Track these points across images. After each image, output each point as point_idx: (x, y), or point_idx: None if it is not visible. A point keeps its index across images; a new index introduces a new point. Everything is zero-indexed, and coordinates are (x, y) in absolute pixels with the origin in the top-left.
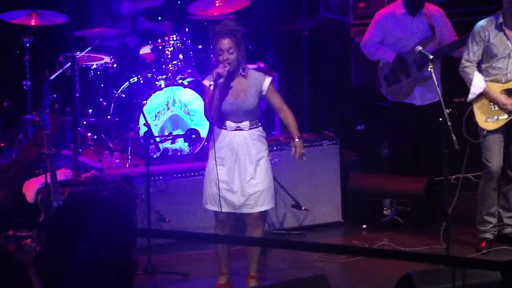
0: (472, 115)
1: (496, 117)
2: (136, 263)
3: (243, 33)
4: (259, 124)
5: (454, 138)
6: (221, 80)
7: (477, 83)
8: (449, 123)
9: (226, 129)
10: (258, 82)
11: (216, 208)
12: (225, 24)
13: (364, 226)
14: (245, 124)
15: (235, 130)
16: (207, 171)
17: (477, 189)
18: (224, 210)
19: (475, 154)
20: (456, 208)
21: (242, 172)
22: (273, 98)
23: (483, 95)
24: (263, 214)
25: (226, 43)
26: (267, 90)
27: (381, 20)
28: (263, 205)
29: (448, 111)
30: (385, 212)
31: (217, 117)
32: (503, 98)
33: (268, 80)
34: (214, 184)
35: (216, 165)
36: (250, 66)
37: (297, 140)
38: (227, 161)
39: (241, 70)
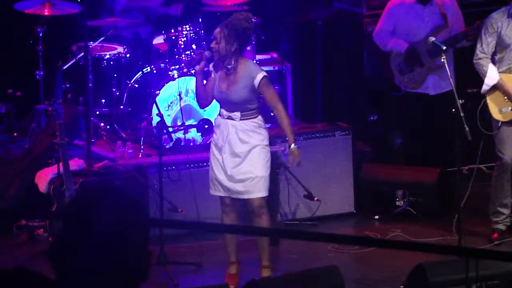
0: (485, 106)
1: (510, 108)
2: (151, 253)
3: (244, 27)
4: (256, 115)
5: (467, 129)
6: (198, 67)
7: (491, 75)
8: (462, 114)
9: (221, 116)
10: (250, 76)
11: (214, 192)
12: (232, 14)
13: (377, 216)
14: (236, 114)
15: (227, 118)
16: (210, 156)
17: (490, 180)
18: (221, 194)
19: (488, 145)
20: (469, 199)
21: (233, 159)
22: (265, 94)
23: (496, 86)
24: (264, 203)
25: (216, 31)
26: (259, 85)
27: (393, 10)
28: (254, 192)
29: (461, 102)
30: (397, 203)
31: (207, 102)
32: None
33: (260, 75)
34: (211, 168)
35: (213, 150)
36: (263, 56)
37: (293, 146)
38: (220, 147)
39: (229, 62)
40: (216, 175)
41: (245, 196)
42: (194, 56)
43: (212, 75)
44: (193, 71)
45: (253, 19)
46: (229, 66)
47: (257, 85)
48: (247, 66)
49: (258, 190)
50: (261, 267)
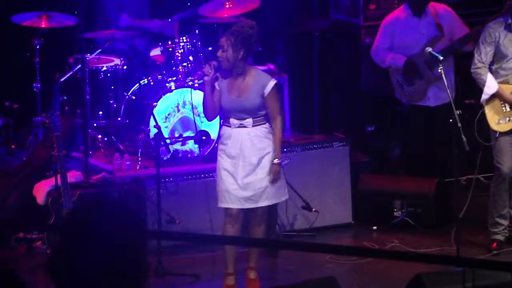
0: (483, 117)
1: (508, 119)
2: (148, 265)
3: (250, 34)
4: (265, 121)
5: (464, 139)
6: (207, 78)
7: (490, 84)
8: (459, 124)
9: (230, 126)
10: (262, 83)
11: (225, 204)
12: (236, 23)
13: (375, 227)
14: (248, 121)
15: (238, 127)
16: (217, 169)
17: (488, 191)
18: (234, 206)
19: (486, 155)
20: (468, 210)
21: (247, 168)
22: (270, 103)
23: (495, 96)
24: (266, 212)
25: (222, 40)
26: (268, 93)
27: (388, 26)
28: (266, 199)
29: (458, 113)
30: (395, 214)
31: (215, 114)
32: None
33: (272, 83)
34: (221, 180)
35: (222, 161)
36: (260, 67)
37: (276, 161)
38: (233, 158)
39: (238, 69)
40: (228, 186)
41: (256, 204)
42: (203, 69)
43: (217, 87)
44: (195, 84)
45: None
46: (239, 72)
47: (267, 92)
48: (257, 73)
49: (272, 198)
50: (247, 268)
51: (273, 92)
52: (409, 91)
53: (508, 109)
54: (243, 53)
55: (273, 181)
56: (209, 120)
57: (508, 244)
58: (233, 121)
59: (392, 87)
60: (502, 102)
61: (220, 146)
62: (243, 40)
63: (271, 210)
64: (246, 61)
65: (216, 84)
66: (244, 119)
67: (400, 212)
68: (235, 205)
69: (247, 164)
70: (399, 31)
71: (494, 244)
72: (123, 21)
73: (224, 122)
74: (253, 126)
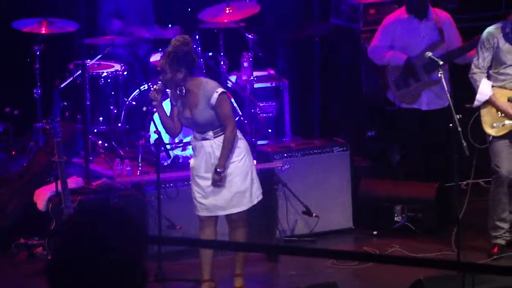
0: (479, 120)
1: (502, 124)
2: (148, 271)
3: (185, 52)
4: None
5: (464, 144)
6: (155, 103)
7: (483, 91)
8: (459, 129)
9: (196, 139)
10: (207, 95)
11: (200, 212)
12: (170, 42)
13: (375, 232)
14: (209, 134)
15: (201, 140)
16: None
17: (488, 195)
18: (201, 214)
19: (485, 159)
20: (468, 214)
21: (208, 177)
22: (219, 112)
23: (488, 102)
24: (243, 216)
25: (159, 64)
26: (215, 103)
27: (389, 26)
28: (235, 206)
29: (458, 117)
30: (396, 218)
31: (176, 131)
32: (508, 107)
33: (216, 94)
34: (193, 190)
35: (192, 172)
36: (261, 72)
37: (218, 170)
38: (201, 168)
39: (180, 89)
40: (197, 196)
41: (225, 212)
42: (149, 94)
43: (173, 106)
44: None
45: (193, 41)
46: (183, 93)
47: (213, 102)
48: (203, 86)
49: (237, 205)
50: (234, 275)
51: (219, 102)
52: (404, 92)
53: (503, 113)
54: (184, 71)
55: (217, 187)
56: (173, 138)
57: (509, 248)
58: (195, 134)
59: (386, 87)
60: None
61: (192, 158)
62: (180, 59)
63: (271, 216)
64: (191, 75)
65: (172, 102)
66: (204, 132)
67: (400, 217)
68: (204, 213)
69: (210, 174)
70: (399, 32)
71: (495, 249)
72: (115, 27)
73: (193, 134)
74: (214, 137)
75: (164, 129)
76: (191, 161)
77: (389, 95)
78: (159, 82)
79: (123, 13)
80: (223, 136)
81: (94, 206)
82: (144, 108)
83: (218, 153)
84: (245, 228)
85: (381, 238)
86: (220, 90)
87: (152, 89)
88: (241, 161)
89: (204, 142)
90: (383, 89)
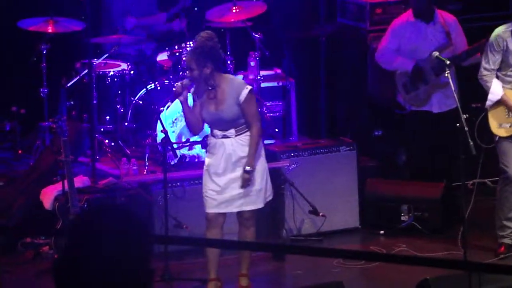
0: (486, 120)
1: (510, 124)
2: (154, 270)
3: (211, 46)
4: (247, 129)
5: (471, 143)
6: (181, 98)
7: (495, 91)
8: (466, 129)
9: (214, 137)
10: (237, 91)
11: (210, 209)
12: (195, 38)
13: (382, 232)
14: (231, 132)
15: (222, 138)
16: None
17: (495, 194)
18: (211, 211)
19: (493, 159)
20: (475, 213)
21: (233, 175)
22: (246, 109)
23: (500, 102)
24: (254, 215)
25: (186, 61)
26: (243, 100)
27: (398, 28)
28: (251, 203)
29: (465, 117)
30: (402, 218)
31: (199, 128)
32: None
33: (246, 89)
34: (205, 186)
35: (208, 171)
36: (267, 72)
37: (247, 169)
38: (220, 166)
39: (210, 83)
40: (210, 193)
41: (242, 208)
42: (174, 90)
43: (196, 101)
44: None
45: (214, 37)
46: (211, 88)
47: (242, 99)
48: (231, 82)
49: (254, 202)
50: (239, 275)
51: (248, 99)
52: (414, 95)
53: (511, 115)
54: (210, 67)
55: (245, 187)
56: (195, 135)
57: None
58: (216, 132)
59: (396, 91)
60: (506, 108)
61: (207, 155)
62: (206, 55)
63: (278, 215)
64: (218, 71)
65: (195, 99)
66: (227, 129)
67: (407, 217)
68: (213, 210)
69: (234, 173)
70: (407, 35)
71: (502, 248)
72: (129, 24)
73: (211, 133)
74: (236, 136)
75: (187, 125)
76: (207, 159)
77: (399, 99)
78: (185, 78)
79: (133, 9)
80: (244, 134)
81: (101, 205)
82: None
83: (239, 152)
84: (255, 227)
85: (387, 237)
86: (250, 87)
87: (177, 85)
88: (260, 160)
89: (224, 140)
90: (393, 92)
